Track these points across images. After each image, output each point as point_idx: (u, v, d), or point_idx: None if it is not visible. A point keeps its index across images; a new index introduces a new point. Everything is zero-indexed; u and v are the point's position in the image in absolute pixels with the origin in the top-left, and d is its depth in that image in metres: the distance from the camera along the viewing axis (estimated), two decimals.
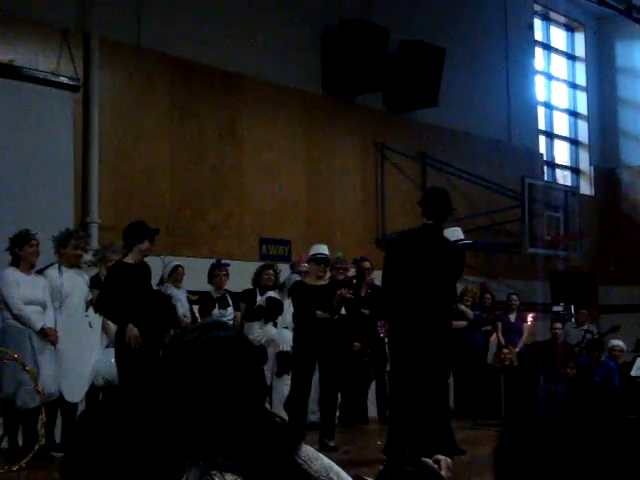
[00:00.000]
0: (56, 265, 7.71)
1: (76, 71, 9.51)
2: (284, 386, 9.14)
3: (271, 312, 9.55)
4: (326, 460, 1.93)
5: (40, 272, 7.69)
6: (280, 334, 9.48)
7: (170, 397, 1.85)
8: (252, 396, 1.85)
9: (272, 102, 11.64)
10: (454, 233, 8.36)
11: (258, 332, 9.45)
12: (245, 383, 1.85)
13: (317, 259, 8.59)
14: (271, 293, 9.59)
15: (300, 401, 8.36)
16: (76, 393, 7.58)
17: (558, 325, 12.29)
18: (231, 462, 1.74)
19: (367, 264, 10.71)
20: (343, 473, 1.94)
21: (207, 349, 1.85)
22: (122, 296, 7.15)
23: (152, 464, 1.98)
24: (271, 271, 9.78)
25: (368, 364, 10.49)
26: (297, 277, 9.50)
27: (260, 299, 9.59)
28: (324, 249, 8.73)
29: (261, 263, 10.38)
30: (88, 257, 8.20)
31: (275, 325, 9.64)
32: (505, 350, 11.53)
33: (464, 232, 13.16)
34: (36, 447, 6.80)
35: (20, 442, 7.24)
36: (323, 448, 7.50)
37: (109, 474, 2.06)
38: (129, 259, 7.32)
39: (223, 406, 1.81)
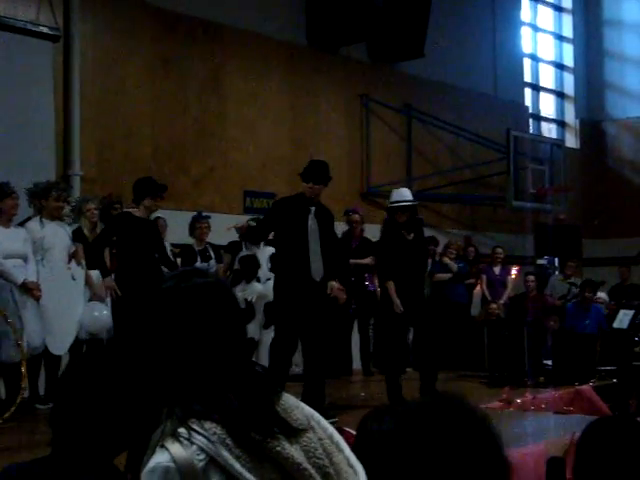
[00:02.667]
0: (37, 217, 7.63)
1: (56, 20, 9.36)
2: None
3: (248, 271, 9.48)
4: (307, 409, 1.91)
5: (21, 225, 7.61)
6: (266, 287, 9.42)
7: (147, 345, 1.82)
8: (231, 344, 1.83)
9: (255, 53, 11.51)
10: (395, 194, 8.26)
11: (244, 292, 9.38)
12: (224, 330, 1.82)
13: None
14: (243, 252, 9.53)
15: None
16: (60, 346, 7.55)
17: (531, 277, 12.30)
18: (209, 410, 1.71)
19: (357, 217, 10.70)
20: (324, 421, 1.92)
21: (185, 296, 1.82)
22: (121, 246, 7.15)
23: (130, 412, 1.97)
24: None
25: (353, 317, 10.50)
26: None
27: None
28: None
29: (245, 216, 10.33)
30: (67, 211, 8.12)
31: (258, 280, 9.58)
32: (493, 305, 11.55)
33: (448, 185, 13.21)
34: (18, 399, 6.78)
35: (3, 395, 7.22)
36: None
37: (99, 420, 2.05)
38: (136, 212, 7.26)
39: (201, 354, 1.78)
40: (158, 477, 1.67)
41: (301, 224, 7.19)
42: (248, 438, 1.71)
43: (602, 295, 12.48)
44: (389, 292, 7.89)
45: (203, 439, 1.68)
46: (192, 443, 1.68)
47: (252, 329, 9.15)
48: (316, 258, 7.22)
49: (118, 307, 7.11)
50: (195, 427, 1.70)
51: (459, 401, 1.58)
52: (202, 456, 1.68)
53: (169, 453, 1.68)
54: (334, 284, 7.41)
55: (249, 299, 9.29)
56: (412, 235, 8.09)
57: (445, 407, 1.57)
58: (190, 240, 9.46)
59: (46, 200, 7.61)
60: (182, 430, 1.70)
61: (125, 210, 7.64)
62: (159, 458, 1.68)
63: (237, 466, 1.67)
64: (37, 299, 7.34)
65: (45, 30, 9.18)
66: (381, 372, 8.31)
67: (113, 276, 7.23)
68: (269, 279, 9.36)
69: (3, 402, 7.08)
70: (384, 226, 8.50)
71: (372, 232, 11.01)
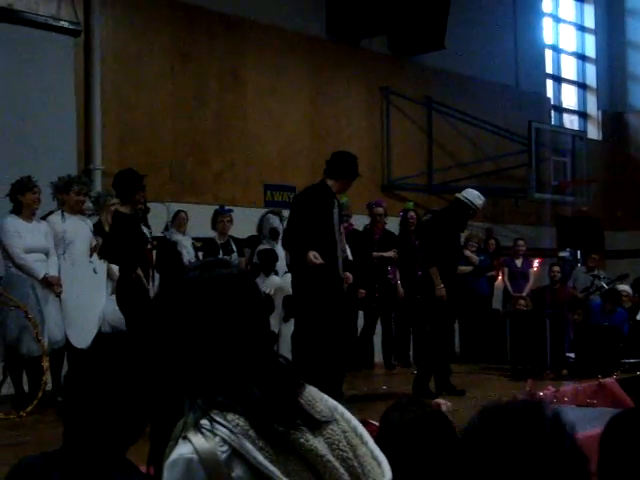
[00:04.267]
0: (59, 211, 7.66)
1: (77, 15, 9.39)
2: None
3: (267, 264, 9.48)
4: (331, 401, 1.90)
5: (43, 219, 7.65)
6: (284, 280, 9.41)
7: (170, 336, 1.81)
8: (254, 335, 1.81)
9: (275, 47, 11.50)
10: (476, 197, 8.32)
11: (263, 285, 9.37)
12: (247, 322, 1.81)
13: None
14: (261, 246, 9.53)
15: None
16: (83, 338, 7.56)
17: (556, 268, 12.24)
18: (232, 402, 1.70)
19: (380, 210, 10.66)
20: (348, 414, 1.90)
21: (209, 287, 1.80)
22: (125, 244, 7.12)
23: (151, 404, 1.96)
24: (266, 218, 9.73)
25: (376, 310, 10.45)
26: (272, 218, 9.50)
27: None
28: None
29: (266, 210, 10.34)
30: (89, 204, 8.14)
31: (276, 273, 9.58)
32: (521, 301, 11.50)
33: (470, 177, 13.16)
34: (39, 394, 6.82)
35: (26, 388, 7.27)
36: None
37: (108, 413, 2.05)
38: (124, 209, 7.13)
39: (224, 345, 1.77)
40: (181, 469, 1.65)
41: (327, 217, 7.02)
42: (271, 430, 1.69)
43: (625, 288, 12.38)
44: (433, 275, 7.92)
45: (226, 430, 1.67)
46: (215, 435, 1.66)
47: (272, 322, 9.13)
48: (340, 253, 7.12)
49: (123, 301, 7.08)
50: (218, 419, 1.68)
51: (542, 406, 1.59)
52: (225, 447, 1.66)
53: (192, 445, 1.66)
54: (349, 275, 7.38)
55: (267, 291, 9.29)
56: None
57: (533, 409, 1.56)
58: (212, 233, 9.47)
59: (67, 194, 7.64)
60: (205, 422, 1.68)
61: (116, 210, 7.45)
62: (181, 450, 1.67)
63: (260, 458, 1.66)
64: (58, 294, 7.37)
65: (66, 25, 9.21)
66: (420, 362, 8.27)
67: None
68: (287, 272, 9.36)
69: (26, 396, 7.13)
70: (448, 216, 8.37)
71: (393, 225, 10.99)
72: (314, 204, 7.05)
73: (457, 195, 8.38)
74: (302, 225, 7.01)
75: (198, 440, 1.66)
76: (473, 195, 8.27)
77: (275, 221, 9.65)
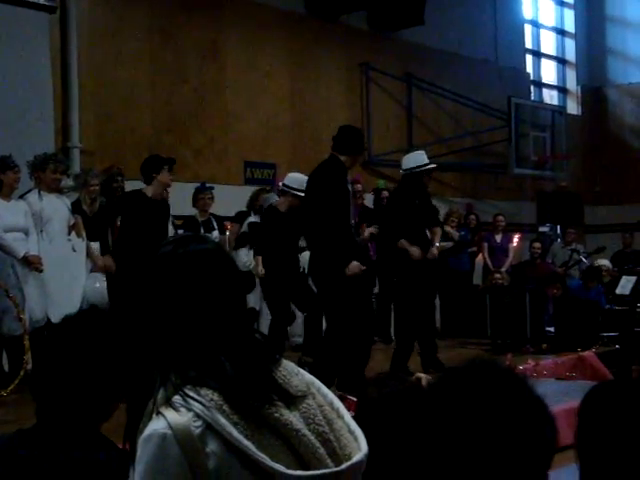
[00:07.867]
0: (36, 190, 7.60)
1: None
2: None
3: (255, 236, 9.47)
4: (307, 375, 1.89)
5: (21, 197, 7.59)
6: None
7: (144, 310, 1.80)
8: (228, 310, 1.81)
9: (254, 23, 11.42)
10: (416, 158, 8.15)
11: (245, 258, 9.37)
12: (221, 297, 1.80)
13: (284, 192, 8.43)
14: (252, 218, 9.52)
15: (280, 325, 8.34)
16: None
17: (537, 245, 12.29)
18: (205, 377, 1.70)
19: (359, 186, 10.62)
20: (324, 388, 1.90)
21: (182, 262, 1.80)
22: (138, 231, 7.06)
23: (124, 379, 1.96)
24: (267, 196, 9.70)
25: None
26: (273, 196, 9.48)
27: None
28: (295, 181, 8.36)
29: (246, 187, 10.32)
30: (70, 182, 8.09)
31: None
32: (497, 275, 11.54)
33: (449, 153, 13.16)
34: (21, 373, 6.80)
35: (6, 368, 7.25)
36: (301, 365, 7.54)
37: (80, 388, 2.05)
38: (148, 191, 7.17)
39: (198, 320, 1.76)
40: (155, 444, 1.65)
41: (345, 193, 6.77)
42: (245, 405, 1.69)
43: (605, 262, 12.45)
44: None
45: (200, 405, 1.66)
46: (189, 410, 1.66)
47: (253, 299, 9.16)
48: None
49: (114, 283, 7.11)
50: (191, 394, 1.68)
51: (498, 365, 1.62)
52: (199, 422, 1.65)
53: (165, 420, 1.66)
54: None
55: (247, 265, 9.27)
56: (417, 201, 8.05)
57: (487, 371, 1.59)
58: (192, 211, 9.43)
59: (44, 172, 7.57)
60: (178, 397, 1.68)
61: (137, 189, 7.53)
62: (155, 425, 1.67)
63: (234, 432, 1.65)
64: (39, 271, 7.33)
65: (41, 1, 9.09)
66: (398, 340, 8.27)
67: None
68: None
69: (7, 375, 7.10)
70: (399, 193, 8.27)
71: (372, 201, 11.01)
72: (333, 181, 6.76)
73: (401, 171, 8.25)
74: (325, 205, 6.67)
75: (172, 415, 1.66)
76: (413, 160, 8.07)
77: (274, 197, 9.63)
